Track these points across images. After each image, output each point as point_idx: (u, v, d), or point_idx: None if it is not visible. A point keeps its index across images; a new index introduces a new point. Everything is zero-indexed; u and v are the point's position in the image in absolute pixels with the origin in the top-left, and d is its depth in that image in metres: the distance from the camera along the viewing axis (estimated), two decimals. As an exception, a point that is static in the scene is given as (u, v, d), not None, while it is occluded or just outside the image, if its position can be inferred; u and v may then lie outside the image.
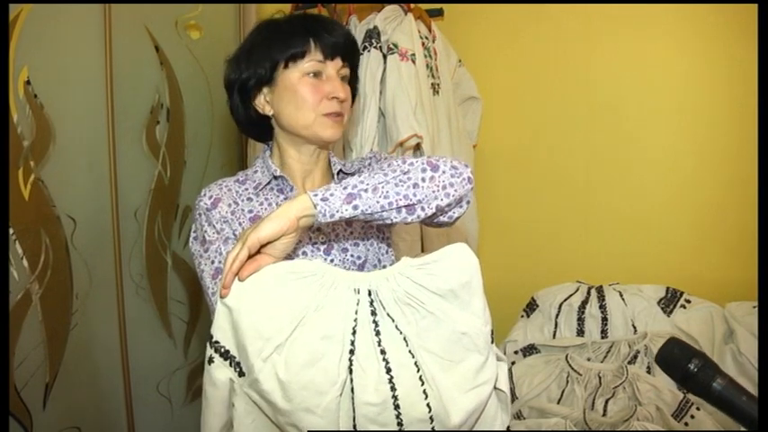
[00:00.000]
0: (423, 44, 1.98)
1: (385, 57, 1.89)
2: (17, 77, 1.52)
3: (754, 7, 1.76)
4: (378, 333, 0.93)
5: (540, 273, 2.20)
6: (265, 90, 1.18)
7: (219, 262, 1.09)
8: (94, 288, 1.77)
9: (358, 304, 0.94)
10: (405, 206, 0.98)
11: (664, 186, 2.05)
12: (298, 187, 1.21)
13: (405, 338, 0.93)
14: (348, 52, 1.18)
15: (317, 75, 1.15)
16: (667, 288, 1.89)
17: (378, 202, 0.96)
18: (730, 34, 1.91)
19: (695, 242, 2.02)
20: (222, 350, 0.95)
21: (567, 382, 1.70)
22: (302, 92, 1.14)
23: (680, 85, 2.00)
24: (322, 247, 1.17)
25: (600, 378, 1.67)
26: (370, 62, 1.88)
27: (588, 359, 1.77)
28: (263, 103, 1.19)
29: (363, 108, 1.87)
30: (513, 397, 1.74)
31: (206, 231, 1.12)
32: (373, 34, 1.90)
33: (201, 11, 2.08)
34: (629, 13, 2.02)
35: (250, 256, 0.92)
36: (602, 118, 2.11)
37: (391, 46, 1.88)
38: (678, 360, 0.80)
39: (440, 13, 2.23)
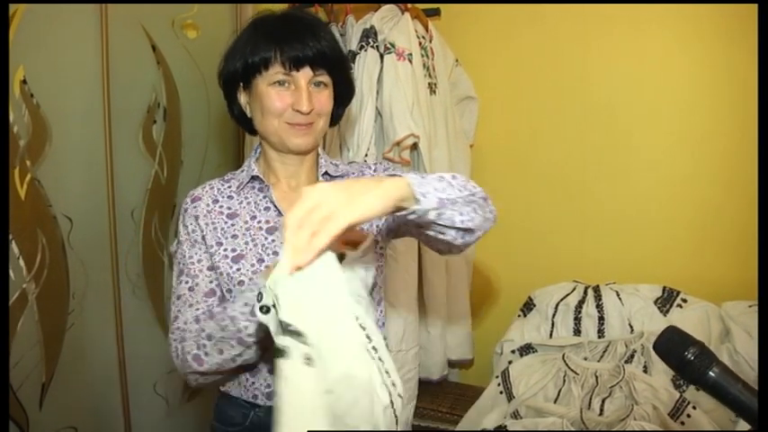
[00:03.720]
0: (419, 44, 1.98)
1: (382, 56, 1.89)
2: (13, 77, 1.52)
3: (752, 7, 1.76)
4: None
5: (536, 272, 2.20)
6: (244, 92, 1.18)
7: (183, 264, 1.15)
8: (91, 288, 1.77)
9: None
10: (465, 229, 0.93)
11: (660, 186, 2.05)
12: (281, 188, 1.21)
13: (368, 336, 0.84)
14: (322, 62, 1.11)
15: (283, 84, 1.11)
16: (664, 287, 1.89)
17: (452, 218, 0.90)
18: (728, 34, 1.91)
19: (692, 242, 2.03)
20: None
21: (564, 381, 1.70)
22: (266, 101, 1.11)
23: (677, 84, 2.00)
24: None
25: (597, 377, 1.67)
26: (367, 62, 1.88)
27: (585, 358, 1.78)
28: (243, 103, 1.20)
29: (360, 108, 1.87)
30: (510, 396, 1.74)
31: (179, 231, 1.18)
32: (370, 34, 1.90)
33: (198, 10, 2.08)
34: (626, 13, 2.02)
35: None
36: (598, 117, 2.11)
37: (388, 45, 1.88)
38: (676, 348, 0.80)
39: (437, 12, 2.23)
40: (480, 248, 2.28)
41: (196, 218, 1.16)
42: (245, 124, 1.23)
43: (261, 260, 1.12)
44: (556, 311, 1.93)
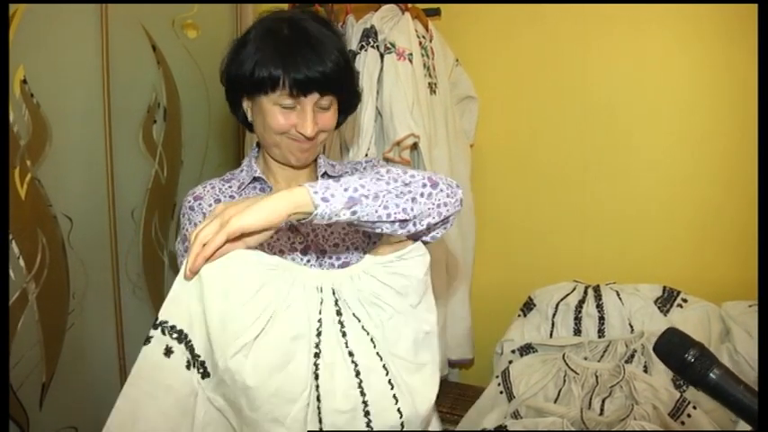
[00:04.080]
0: (420, 43, 1.98)
1: (382, 56, 1.89)
2: (13, 76, 1.52)
3: (752, 7, 1.77)
4: (344, 335, 0.88)
5: (537, 272, 2.20)
6: (247, 99, 1.16)
7: None
8: (91, 287, 1.77)
9: (321, 303, 0.88)
10: (400, 220, 0.94)
11: (660, 186, 2.05)
12: (281, 189, 1.16)
13: (372, 340, 0.88)
14: (329, 85, 1.10)
15: (287, 106, 1.09)
16: (664, 287, 1.89)
17: (376, 212, 0.91)
18: (728, 34, 1.91)
19: (692, 241, 2.03)
20: (185, 341, 0.84)
21: (564, 381, 1.70)
22: (269, 119, 1.10)
23: (677, 84, 1.99)
24: (299, 247, 1.14)
25: (597, 377, 1.67)
26: (367, 61, 1.88)
27: (585, 358, 1.78)
28: (246, 107, 1.18)
29: (360, 107, 1.87)
30: (510, 396, 1.74)
31: (186, 230, 1.13)
32: (370, 33, 1.90)
33: (198, 10, 2.08)
34: (627, 13, 2.02)
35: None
36: (599, 117, 2.11)
37: (388, 45, 1.88)
38: (676, 349, 0.80)
39: (437, 12, 2.23)
40: (480, 248, 2.28)
41: (204, 216, 1.13)
42: (247, 124, 1.22)
43: None
44: (556, 311, 1.93)
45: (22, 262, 1.56)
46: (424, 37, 2.04)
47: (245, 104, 1.17)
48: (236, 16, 2.27)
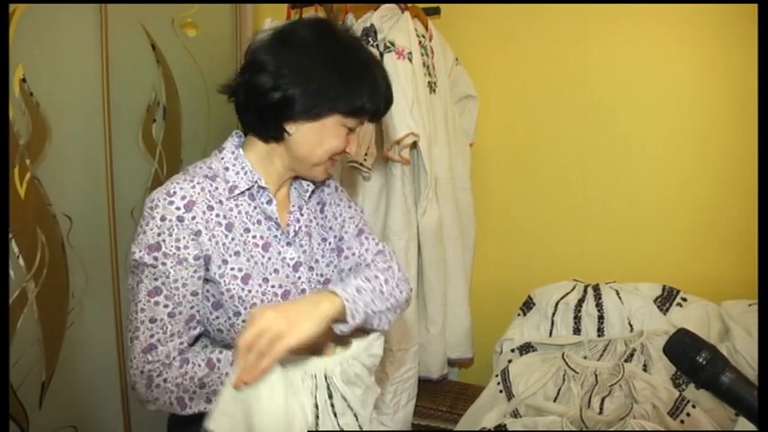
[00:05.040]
0: (419, 42, 1.98)
1: (382, 55, 1.89)
2: (13, 75, 1.52)
3: (752, 7, 1.76)
4: (335, 415, 0.97)
5: (536, 271, 2.20)
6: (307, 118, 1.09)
7: (163, 283, 1.02)
8: (91, 287, 1.77)
9: (316, 389, 0.97)
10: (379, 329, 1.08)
11: (660, 185, 2.05)
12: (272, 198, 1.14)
13: (355, 415, 0.99)
14: None
15: (351, 129, 1.12)
16: (663, 286, 1.89)
17: (372, 323, 1.07)
18: (727, 34, 1.91)
19: (691, 240, 2.03)
20: None
21: (564, 380, 1.70)
22: (333, 140, 1.10)
23: (677, 84, 2.00)
24: (291, 263, 1.14)
25: (596, 376, 1.68)
26: (366, 60, 1.88)
27: (585, 357, 1.78)
28: (289, 121, 1.09)
29: (360, 106, 1.87)
30: (510, 395, 1.74)
31: (163, 240, 1.02)
32: (370, 32, 1.90)
33: (198, 9, 2.08)
34: (627, 13, 2.02)
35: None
36: (598, 117, 2.11)
37: (388, 44, 1.88)
38: (687, 352, 0.79)
39: (437, 11, 2.23)
40: (480, 247, 2.28)
41: (196, 234, 1.03)
42: (273, 136, 1.11)
43: (266, 279, 1.09)
44: (555, 310, 1.93)
45: (21, 261, 1.56)
46: (423, 36, 2.04)
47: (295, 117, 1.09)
48: (235, 16, 2.27)
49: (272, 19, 2.05)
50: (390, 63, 1.87)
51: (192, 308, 1.05)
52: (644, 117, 2.04)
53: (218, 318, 1.07)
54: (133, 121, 1.89)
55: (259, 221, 1.12)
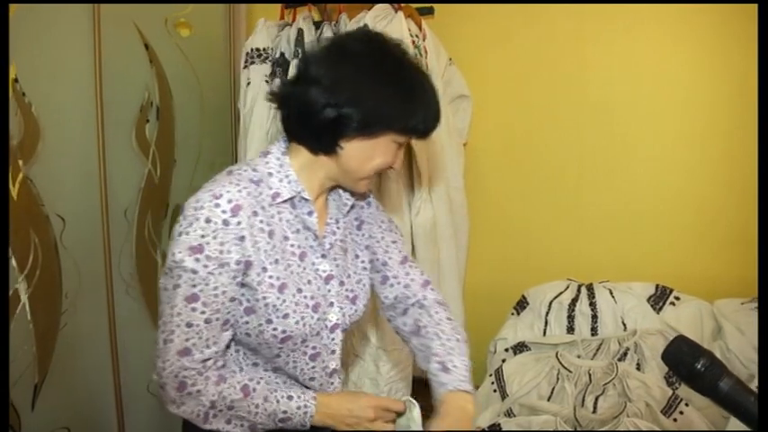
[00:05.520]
0: (413, 42, 1.98)
1: (375, 55, 1.89)
2: (5, 75, 1.52)
3: (748, 6, 1.78)
4: None
5: (530, 271, 2.21)
6: (362, 135, 1.06)
7: (201, 290, 0.98)
8: (84, 287, 1.76)
9: None
10: None
11: (654, 185, 2.06)
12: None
13: None
14: None
15: (401, 145, 1.11)
16: (657, 285, 1.90)
17: None
18: (724, 34, 1.91)
19: (685, 240, 2.03)
20: None
21: (558, 379, 1.71)
22: (385, 156, 1.08)
23: (671, 84, 2.00)
24: (323, 275, 1.13)
25: (590, 375, 1.68)
26: (360, 60, 1.87)
27: (578, 356, 1.78)
28: (342, 138, 1.06)
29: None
30: (504, 394, 1.75)
31: (207, 242, 0.97)
32: (363, 33, 1.89)
33: (191, 9, 2.07)
34: (622, 13, 2.02)
35: None
36: (593, 117, 2.11)
37: (381, 44, 1.88)
38: (685, 359, 0.79)
39: (430, 11, 2.23)
40: (473, 246, 2.28)
41: (240, 239, 1.00)
42: (321, 148, 1.08)
43: (300, 290, 1.07)
44: (549, 310, 1.94)
45: (14, 262, 1.56)
46: (417, 36, 2.04)
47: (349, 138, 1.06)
48: (229, 15, 2.27)
49: (265, 19, 2.04)
50: (384, 63, 1.87)
51: (228, 313, 1.03)
52: (639, 117, 2.05)
53: (248, 323, 1.05)
54: (126, 122, 1.89)
55: (297, 230, 1.10)
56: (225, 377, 1.03)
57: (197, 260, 0.97)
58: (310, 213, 1.10)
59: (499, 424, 1.60)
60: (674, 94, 2.00)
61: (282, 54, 2.00)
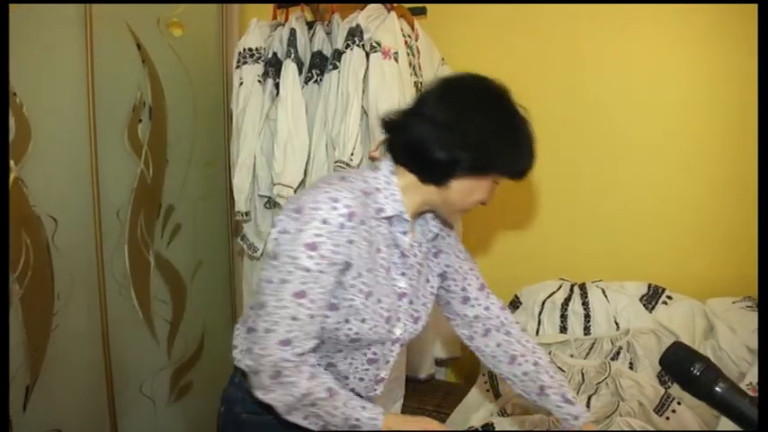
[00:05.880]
0: (405, 42, 1.98)
1: (368, 55, 1.89)
2: (-5, 76, 1.51)
3: (746, 7, 1.78)
4: None
5: (522, 270, 2.21)
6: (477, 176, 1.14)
7: (310, 288, 1.02)
8: (76, 288, 1.76)
9: None
10: None
11: (647, 185, 2.06)
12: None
13: None
14: None
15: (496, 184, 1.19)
16: (649, 285, 1.90)
17: None
18: (722, 33, 1.91)
19: (677, 239, 2.04)
20: None
21: (551, 378, 1.71)
22: (485, 193, 1.16)
23: (666, 84, 2.00)
24: (398, 291, 1.18)
25: (583, 374, 1.69)
26: (352, 60, 1.88)
27: (571, 356, 1.79)
28: (451, 177, 1.13)
29: (346, 106, 1.87)
30: (497, 394, 1.75)
31: (322, 242, 1.02)
32: (356, 32, 1.89)
33: (183, 9, 2.07)
34: (618, 12, 2.02)
35: None
36: (587, 117, 2.12)
37: (374, 44, 1.88)
38: (681, 363, 0.83)
39: (423, 11, 2.23)
40: (466, 246, 2.27)
41: (350, 242, 1.05)
42: (434, 176, 1.13)
43: (379, 300, 1.12)
44: (542, 309, 1.94)
45: (5, 263, 1.55)
46: (409, 36, 2.04)
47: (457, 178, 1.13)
48: (221, 15, 2.26)
49: (258, 19, 2.04)
50: (376, 63, 1.87)
51: (326, 307, 1.09)
52: (634, 118, 2.05)
53: (327, 317, 1.09)
54: (118, 122, 1.88)
55: (389, 245, 1.16)
56: (316, 375, 1.07)
57: (310, 257, 1.02)
58: (404, 233, 1.17)
59: (493, 423, 1.60)
60: (670, 94, 2.01)
61: (275, 54, 2.00)
